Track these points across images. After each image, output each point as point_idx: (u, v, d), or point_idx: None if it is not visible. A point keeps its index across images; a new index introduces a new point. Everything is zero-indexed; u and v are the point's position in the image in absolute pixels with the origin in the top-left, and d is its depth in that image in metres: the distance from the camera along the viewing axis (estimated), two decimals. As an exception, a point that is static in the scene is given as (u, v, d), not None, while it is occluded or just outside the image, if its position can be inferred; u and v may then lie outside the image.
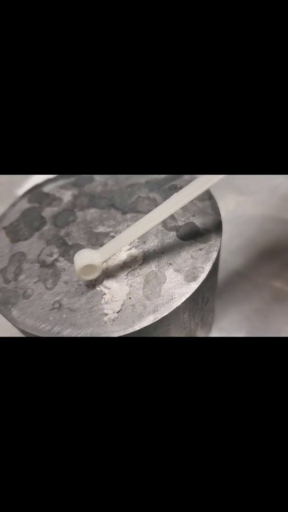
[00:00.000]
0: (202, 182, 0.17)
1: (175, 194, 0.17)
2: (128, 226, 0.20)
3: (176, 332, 0.18)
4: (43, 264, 0.19)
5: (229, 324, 0.27)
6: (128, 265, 0.18)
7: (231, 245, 0.32)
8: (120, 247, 0.17)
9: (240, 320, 0.27)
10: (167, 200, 0.17)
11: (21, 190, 0.40)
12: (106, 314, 0.17)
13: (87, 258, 0.17)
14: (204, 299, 0.19)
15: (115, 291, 0.17)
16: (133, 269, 0.18)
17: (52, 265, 0.19)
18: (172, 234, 0.19)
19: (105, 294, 0.17)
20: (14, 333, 0.26)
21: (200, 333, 0.23)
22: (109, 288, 0.17)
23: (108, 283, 0.18)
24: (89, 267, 0.17)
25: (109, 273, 0.18)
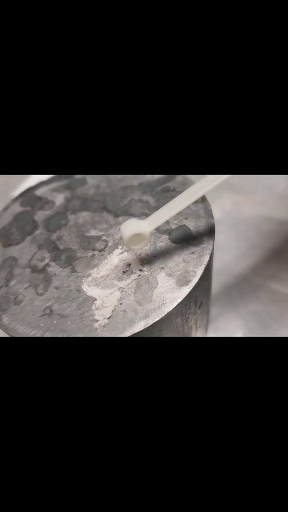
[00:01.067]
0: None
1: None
2: (120, 230, 0.20)
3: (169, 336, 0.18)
4: (34, 269, 0.19)
5: (225, 326, 0.27)
6: (119, 270, 0.18)
7: (228, 245, 0.31)
8: (169, 216, 0.17)
9: (236, 322, 0.27)
10: (207, 176, 0.17)
11: (17, 192, 0.40)
12: (97, 320, 0.16)
13: (135, 227, 0.17)
14: (197, 303, 0.19)
15: (106, 296, 0.17)
16: (125, 274, 0.18)
17: (43, 270, 0.19)
18: (165, 237, 0.19)
19: (96, 299, 0.17)
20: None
21: (195, 336, 0.22)
22: (99, 294, 0.17)
23: (99, 288, 0.18)
24: (137, 237, 0.17)
25: (100, 278, 0.18)
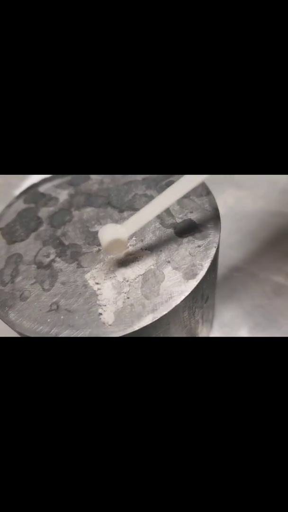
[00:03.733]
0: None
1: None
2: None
3: (176, 330, 0.18)
4: (40, 265, 0.19)
5: (230, 320, 0.27)
6: (125, 264, 0.18)
7: (231, 240, 0.31)
8: (144, 221, 0.17)
9: (241, 316, 0.27)
10: (186, 175, 0.17)
11: (18, 191, 0.40)
12: (105, 315, 0.16)
13: (113, 233, 0.16)
14: (203, 296, 0.19)
15: (113, 291, 0.17)
16: (131, 268, 0.18)
17: (49, 266, 0.19)
18: (170, 231, 0.19)
19: (102, 294, 0.17)
20: (12, 335, 0.26)
21: (201, 330, 0.22)
22: (106, 288, 0.17)
23: (106, 283, 0.17)
24: (115, 242, 0.16)
25: (106, 273, 0.18)
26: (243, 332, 0.26)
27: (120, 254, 0.17)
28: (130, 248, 0.19)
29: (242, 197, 0.35)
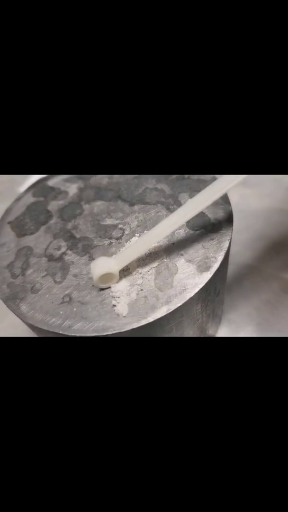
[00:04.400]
0: (220, 186, 0.16)
1: (194, 197, 0.17)
2: (136, 218, 0.20)
3: (188, 324, 0.18)
4: (50, 258, 0.19)
5: (238, 317, 0.26)
6: (138, 257, 0.18)
7: (239, 237, 0.31)
8: (136, 255, 0.17)
9: (249, 313, 0.27)
10: (185, 204, 0.17)
11: (23, 188, 0.39)
12: (118, 307, 0.16)
13: (105, 267, 0.16)
14: (216, 290, 0.19)
15: (126, 283, 0.17)
16: (144, 261, 0.18)
17: (60, 258, 0.19)
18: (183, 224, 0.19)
19: (116, 286, 0.17)
20: (23, 329, 0.25)
21: (211, 325, 0.22)
22: (119, 280, 0.17)
23: (119, 275, 0.17)
24: (107, 275, 0.16)
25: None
26: (251, 328, 0.26)
27: (111, 285, 0.17)
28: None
29: (248, 195, 0.35)
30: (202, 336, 0.21)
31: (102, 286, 0.17)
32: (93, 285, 0.17)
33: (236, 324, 0.26)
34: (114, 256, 0.18)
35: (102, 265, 0.16)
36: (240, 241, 0.31)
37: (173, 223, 0.17)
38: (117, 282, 0.17)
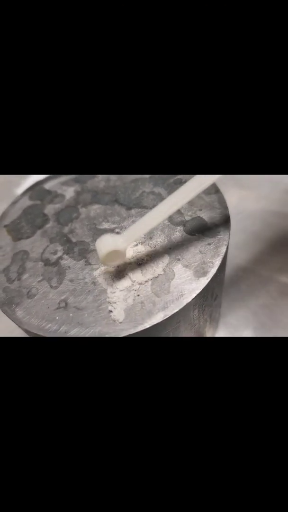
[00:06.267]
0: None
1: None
2: (133, 222, 0.20)
3: (185, 329, 0.18)
4: (47, 263, 0.19)
5: (236, 320, 0.26)
6: (134, 262, 0.18)
7: (235, 240, 0.31)
8: (145, 230, 0.16)
9: (247, 316, 0.27)
10: (193, 178, 0.16)
11: (20, 189, 0.39)
12: (115, 312, 0.16)
13: (111, 244, 0.16)
14: (213, 294, 0.19)
15: (123, 288, 0.17)
16: (140, 266, 0.18)
17: (56, 263, 0.19)
18: (179, 229, 0.19)
19: (112, 291, 0.17)
20: (18, 334, 0.25)
21: (208, 330, 0.22)
22: (116, 286, 0.17)
23: (115, 280, 0.17)
24: (114, 253, 0.16)
25: (115, 270, 0.18)
26: (248, 332, 0.26)
27: (118, 263, 0.17)
28: (139, 246, 0.18)
29: (245, 197, 0.35)
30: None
31: (109, 264, 0.16)
32: (89, 291, 0.17)
33: (233, 328, 0.26)
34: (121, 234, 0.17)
35: (109, 242, 0.16)
36: (237, 243, 0.31)
37: (182, 197, 0.16)
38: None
